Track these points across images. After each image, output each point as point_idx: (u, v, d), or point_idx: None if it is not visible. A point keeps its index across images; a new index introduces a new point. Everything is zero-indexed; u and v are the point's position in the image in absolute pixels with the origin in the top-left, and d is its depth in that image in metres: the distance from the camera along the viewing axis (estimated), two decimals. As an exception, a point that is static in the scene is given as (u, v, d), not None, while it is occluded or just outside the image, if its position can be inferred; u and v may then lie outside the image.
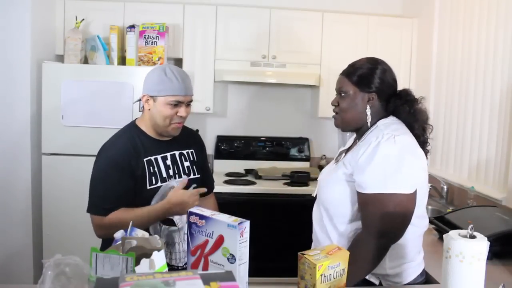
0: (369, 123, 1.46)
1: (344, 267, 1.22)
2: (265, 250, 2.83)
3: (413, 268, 1.45)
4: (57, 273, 0.99)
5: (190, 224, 1.19)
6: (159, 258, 1.01)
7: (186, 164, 1.71)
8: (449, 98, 2.82)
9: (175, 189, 1.57)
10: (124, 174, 1.56)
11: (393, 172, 1.32)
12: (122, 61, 3.04)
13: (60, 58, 3.07)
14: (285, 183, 3.13)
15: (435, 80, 3.01)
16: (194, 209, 1.21)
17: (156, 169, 1.62)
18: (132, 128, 1.67)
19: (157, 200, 1.60)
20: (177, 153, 1.69)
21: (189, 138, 1.78)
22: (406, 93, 1.48)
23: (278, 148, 3.53)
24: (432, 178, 2.83)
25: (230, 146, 3.50)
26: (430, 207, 2.62)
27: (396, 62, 3.32)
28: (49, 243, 2.79)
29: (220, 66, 3.20)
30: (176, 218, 1.61)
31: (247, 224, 1.14)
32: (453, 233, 1.14)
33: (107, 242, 1.48)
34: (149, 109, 1.63)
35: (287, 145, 3.55)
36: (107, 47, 2.93)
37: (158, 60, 2.92)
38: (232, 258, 1.12)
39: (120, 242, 1.13)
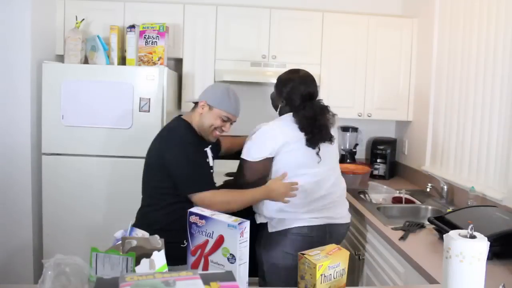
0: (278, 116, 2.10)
1: (344, 267, 1.22)
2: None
3: (282, 221, 1.96)
4: (57, 273, 0.99)
5: (190, 224, 1.19)
6: (159, 258, 1.02)
7: (211, 156, 2.06)
8: (449, 98, 2.82)
9: (276, 178, 1.94)
10: (203, 156, 1.94)
11: (248, 144, 2.00)
12: (122, 61, 3.04)
13: (60, 58, 3.07)
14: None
15: (435, 80, 3.01)
16: (194, 209, 1.21)
17: (208, 158, 1.98)
18: (187, 125, 1.93)
19: None
20: (208, 148, 2.03)
21: None
22: (311, 107, 1.96)
23: (278, 148, 3.53)
24: (432, 178, 2.83)
25: (230, 146, 3.49)
26: (430, 207, 2.62)
27: (396, 62, 3.35)
28: (49, 243, 2.79)
29: (220, 66, 3.20)
30: None
31: (247, 224, 1.14)
32: (453, 233, 1.14)
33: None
34: (201, 113, 1.92)
35: (287, 145, 3.54)
36: (107, 47, 2.93)
37: (158, 60, 2.92)
38: (232, 258, 1.12)
39: (120, 242, 1.13)
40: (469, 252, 1.08)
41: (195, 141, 1.91)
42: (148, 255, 1.02)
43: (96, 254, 1.07)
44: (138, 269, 0.99)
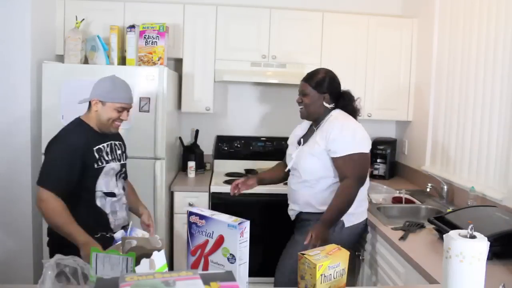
0: (328, 114, 2.19)
1: (344, 267, 1.22)
2: (265, 250, 2.83)
3: (362, 212, 2.22)
4: (57, 273, 0.99)
5: (190, 224, 1.19)
6: (159, 258, 1.02)
7: (119, 152, 2.09)
8: (449, 98, 2.82)
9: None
10: (79, 160, 1.87)
11: (356, 139, 2.09)
12: (122, 61, 3.04)
13: (60, 58, 3.06)
14: (285, 183, 3.12)
15: (435, 80, 3.01)
16: (194, 209, 1.21)
17: (101, 154, 1.97)
18: (81, 124, 1.98)
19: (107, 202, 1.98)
20: (112, 143, 2.06)
21: (117, 134, 2.14)
22: (349, 94, 2.24)
23: (278, 148, 3.53)
24: (432, 178, 2.83)
25: (230, 146, 3.50)
26: (430, 207, 2.62)
27: (396, 62, 3.35)
28: (49, 243, 2.79)
29: (220, 66, 3.20)
30: (115, 190, 2.01)
31: (247, 224, 1.14)
32: (453, 233, 1.14)
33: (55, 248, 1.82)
34: (96, 111, 1.96)
35: (287, 145, 3.54)
36: (107, 47, 2.93)
37: (158, 60, 2.92)
38: (232, 258, 1.12)
39: (120, 242, 1.13)
40: (469, 252, 1.08)
41: (84, 141, 1.91)
42: (148, 255, 1.02)
43: (96, 254, 1.07)
44: (138, 269, 0.99)
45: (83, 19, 2.99)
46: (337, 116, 2.16)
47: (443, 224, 1.93)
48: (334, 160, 2.09)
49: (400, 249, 1.85)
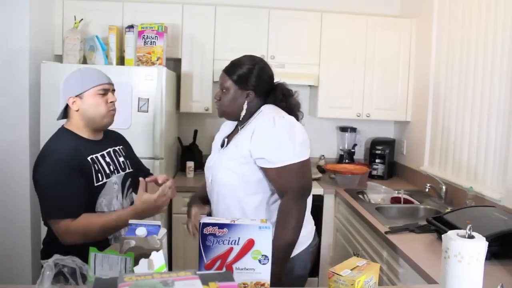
0: (242, 115, 1.69)
1: (376, 280, 1.19)
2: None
3: (308, 234, 1.68)
4: (55, 273, 0.99)
5: (204, 237, 1.14)
6: (158, 258, 1.01)
7: (121, 159, 1.78)
8: (447, 98, 2.82)
9: (139, 195, 1.62)
10: (77, 174, 1.57)
11: (295, 145, 1.56)
12: (121, 61, 3.04)
13: (59, 58, 3.06)
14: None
15: (434, 80, 3.02)
16: (207, 219, 1.16)
17: (99, 166, 1.65)
18: (65, 133, 1.66)
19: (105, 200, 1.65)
20: (111, 150, 1.75)
21: (115, 137, 1.87)
22: (282, 88, 1.72)
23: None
24: (430, 178, 2.84)
25: (229, 146, 3.49)
26: (428, 207, 2.63)
27: (395, 62, 3.35)
28: (48, 243, 2.79)
29: (219, 66, 3.20)
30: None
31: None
32: (451, 233, 1.14)
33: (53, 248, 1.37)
34: (77, 110, 1.64)
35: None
36: (105, 47, 2.93)
37: (157, 60, 2.92)
38: (265, 259, 1.13)
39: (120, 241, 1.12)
40: (467, 252, 1.09)
41: (75, 149, 1.59)
42: (146, 255, 1.02)
43: (95, 254, 1.07)
44: (136, 269, 0.99)
45: (82, 19, 2.99)
46: (267, 112, 1.64)
47: (442, 224, 1.93)
48: (267, 172, 1.58)
49: (399, 249, 1.85)
